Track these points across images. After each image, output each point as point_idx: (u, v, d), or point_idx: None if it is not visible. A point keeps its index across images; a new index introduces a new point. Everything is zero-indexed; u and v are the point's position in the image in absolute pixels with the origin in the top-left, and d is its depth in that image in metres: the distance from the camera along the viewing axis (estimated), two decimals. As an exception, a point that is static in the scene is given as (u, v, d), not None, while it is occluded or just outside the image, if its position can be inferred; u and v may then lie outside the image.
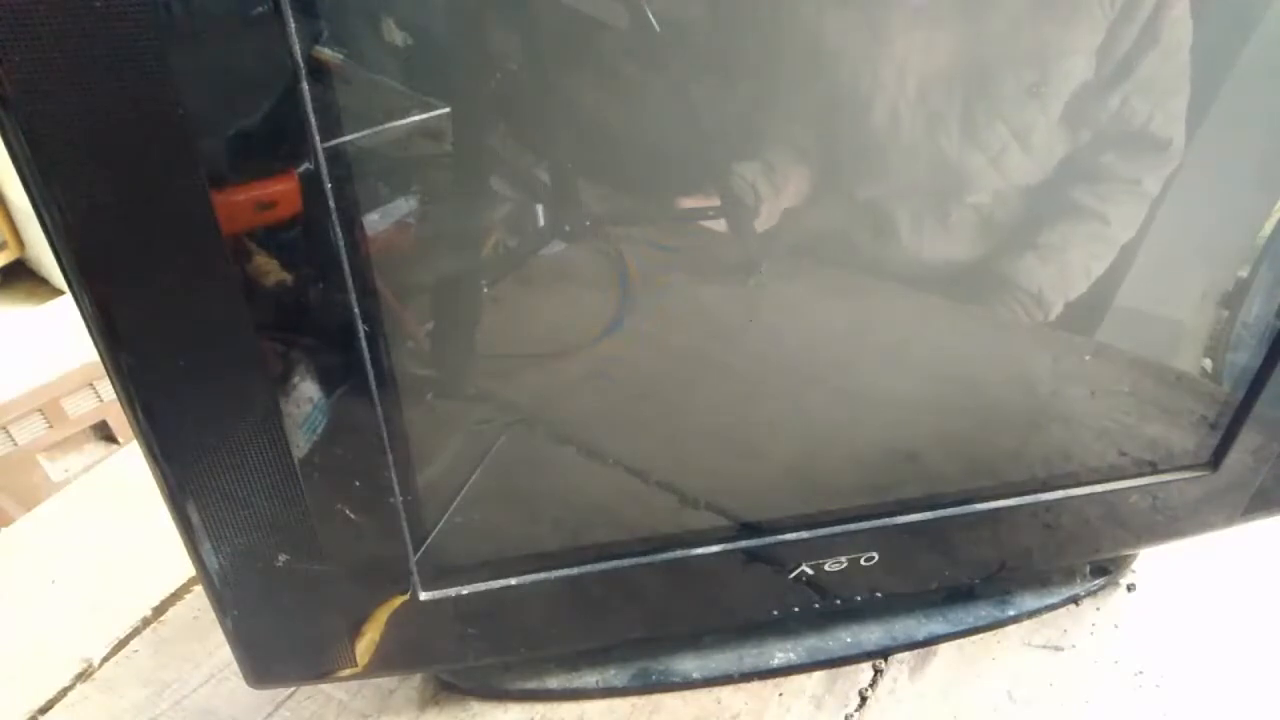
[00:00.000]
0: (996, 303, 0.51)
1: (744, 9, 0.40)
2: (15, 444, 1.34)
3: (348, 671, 0.50)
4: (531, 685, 0.60)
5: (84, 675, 0.63)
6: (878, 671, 0.60)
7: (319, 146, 0.34)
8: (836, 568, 0.56)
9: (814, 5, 0.41)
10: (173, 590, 0.69)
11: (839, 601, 0.58)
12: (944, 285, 0.51)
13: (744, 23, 0.40)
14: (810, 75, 0.42)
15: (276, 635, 0.48)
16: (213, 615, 0.46)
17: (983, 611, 0.65)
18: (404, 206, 0.39)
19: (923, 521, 0.55)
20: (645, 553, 0.52)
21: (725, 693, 0.60)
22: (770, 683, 0.61)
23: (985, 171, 0.47)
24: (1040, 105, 0.45)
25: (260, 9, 0.31)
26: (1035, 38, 0.44)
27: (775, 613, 0.58)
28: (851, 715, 0.58)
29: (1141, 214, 0.50)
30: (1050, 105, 0.45)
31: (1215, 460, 0.57)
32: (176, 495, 0.41)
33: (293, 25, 0.32)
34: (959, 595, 0.66)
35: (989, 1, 0.43)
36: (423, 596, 0.48)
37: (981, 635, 0.64)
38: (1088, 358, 0.53)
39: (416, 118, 0.37)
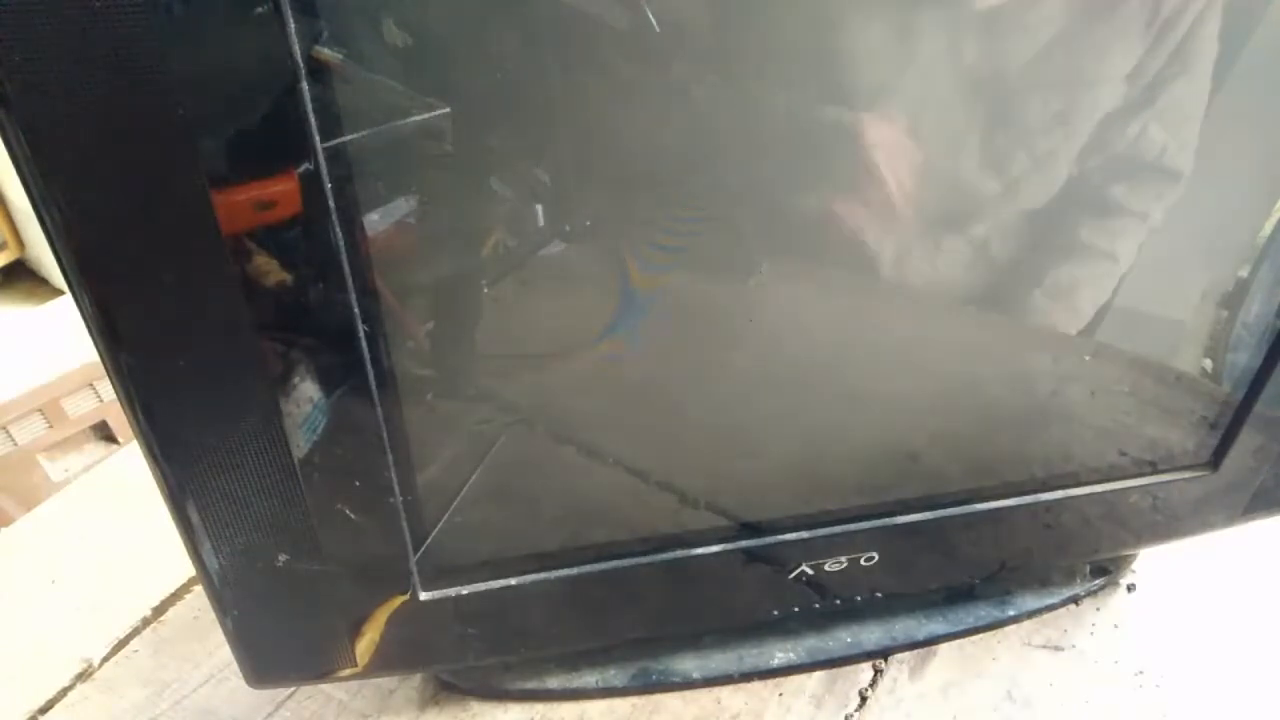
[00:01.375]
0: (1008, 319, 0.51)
1: (752, 17, 0.40)
2: (15, 444, 1.34)
3: (348, 671, 0.50)
4: (531, 685, 0.60)
5: (84, 675, 0.63)
6: (878, 671, 0.60)
7: (319, 146, 0.34)
8: (836, 568, 0.56)
9: (834, 16, 0.40)
10: (173, 590, 0.69)
11: (839, 601, 0.58)
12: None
13: (752, 30, 0.40)
14: (821, 89, 0.42)
15: (276, 635, 0.48)
16: (213, 615, 0.46)
17: (983, 611, 0.65)
18: (404, 206, 0.39)
19: (923, 521, 0.55)
20: (645, 553, 0.52)
21: (725, 693, 0.60)
22: (770, 683, 0.61)
23: (998, 201, 0.45)
24: (1064, 134, 0.44)
25: (260, 9, 0.31)
26: (1069, 65, 0.42)
27: (775, 613, 0.58)
28: (851, 715, 0.58)
29: (1144, 241, 0.49)
30: (1073, 135, 0.44)
31: (1215, 460, 0.57)
32: (176, 495, 0.41)
33: (292, 25, 0.32)
34: (959, 595, 0.66)
35: (1025, 25, 0.41)
36: (423, 596, 0.48)
37: (981, 635, 0.64)
38: (1088, 358, 0.53)
39: (416, 118, 0.37)
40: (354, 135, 0.35)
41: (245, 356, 0.38)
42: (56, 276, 1.49)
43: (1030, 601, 0.65)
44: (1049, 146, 0.44)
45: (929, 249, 0.47)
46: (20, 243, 2.05)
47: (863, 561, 0.56)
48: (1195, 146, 0.45)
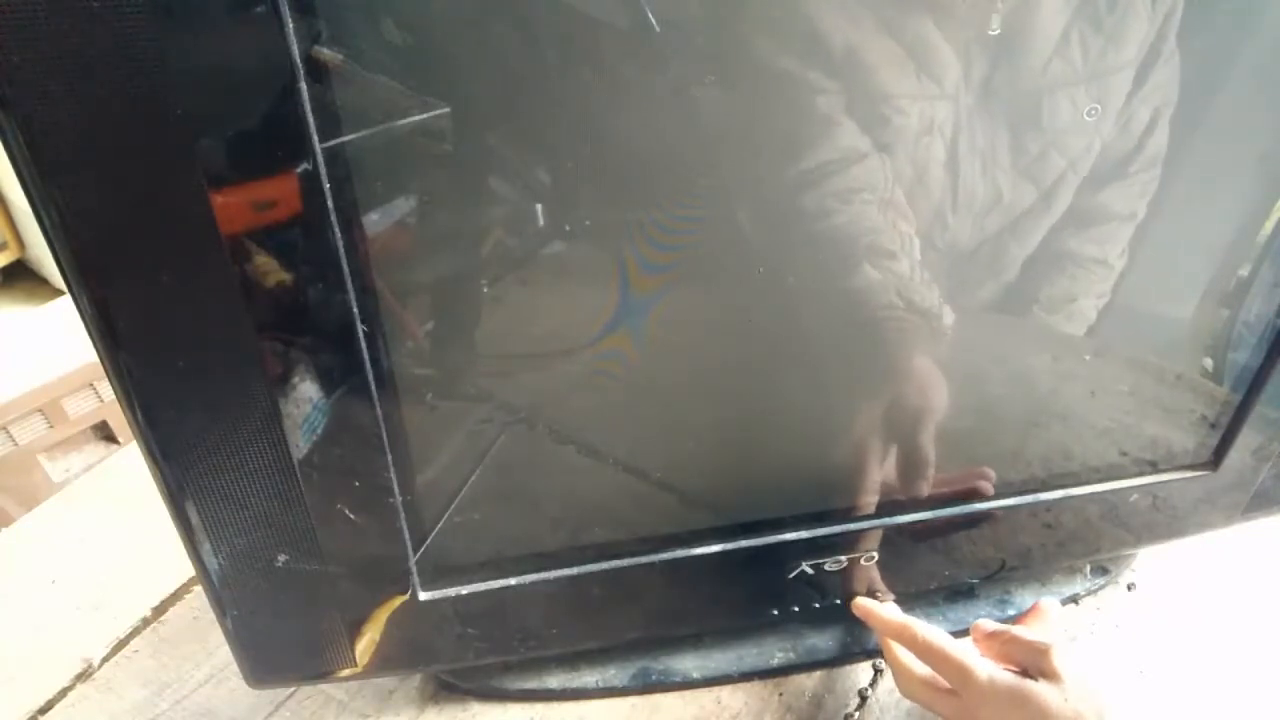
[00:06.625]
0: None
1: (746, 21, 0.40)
2: (15, 444, 1.34)
3: (347, 671, 0.50)
4: (531, 685, 0.60)
5: (84, 675, 0.63)
6: (878, 671, 0.60)
7: (318, 146, 0.34)
8: (836, 568, 0.55)
9: (850, 24, 0.39)
10: (173, 590, 0.69)
11: (839, 601, 0.58)
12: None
13: (749, 32, 0.40)
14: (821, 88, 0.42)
15: (276, 635, 0.48)
16: (213, 615, 0.46)
17: (983, 611, 0.65)
18: (404, 206, 0.39)
19: (922, 521, 0.55)
20: (645, 553, 0.52)
21: (725, 693, 0.60)
22: (770, 683, 0.61)
23: (1033, 209, 0.45)
24: (1095, 127, 0.43)
25: (259, 9, 0.31)
26: (1098, 58, 0.41)
27: (775, 613, 0.58)
28: (851, 715, 0.58)
29: (1136, 239, 0.50)
30: (1102, 128, 0.43)
31: (1215, 460, 0.57)
32: (176, 495, 0.41)
33: (291, 25, 0.32)
34: (959, 595, 0.66)
35: (1041, 22, 0.40)
36: (422, 596, 0.48)
37: (982, 635, 0.64)
38: (1088, 357, 0.53)
39: (415, 118, 0.37)
40: (353, 135, 0.35)
41: (245, 357, 0.38)
42: (56, 276, 1.49)
43: (1030, 601, 0.65)
44: (1084, 143, 0.44)
45: (943, 262, 0.47)
46: (20, 243, 2.05)
47: (863, 561, 0.56)
48: (1169, 127, 0.45)
